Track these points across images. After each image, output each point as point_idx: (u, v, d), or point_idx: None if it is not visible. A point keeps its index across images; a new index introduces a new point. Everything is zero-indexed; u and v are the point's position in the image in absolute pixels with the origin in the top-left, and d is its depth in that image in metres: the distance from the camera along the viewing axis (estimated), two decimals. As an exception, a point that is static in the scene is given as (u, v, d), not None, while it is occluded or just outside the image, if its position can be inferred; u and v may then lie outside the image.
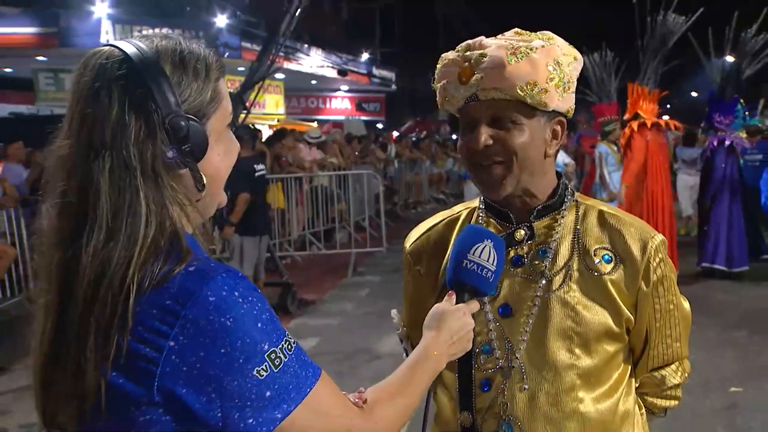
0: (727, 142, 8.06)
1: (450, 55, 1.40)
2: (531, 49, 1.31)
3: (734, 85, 8.12)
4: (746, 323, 6.24)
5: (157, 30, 1.10)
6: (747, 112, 9.11)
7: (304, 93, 22.74)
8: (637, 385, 1.48)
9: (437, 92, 1.44)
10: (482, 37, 1.39)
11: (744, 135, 8.67)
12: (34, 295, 1.04)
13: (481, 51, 1.33)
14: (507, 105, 1.33)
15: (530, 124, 1.35)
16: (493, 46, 1.33)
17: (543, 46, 1.33)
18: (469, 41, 1.39)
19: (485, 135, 1.34)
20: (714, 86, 8.29)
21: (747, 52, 7.97)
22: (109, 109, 0.99)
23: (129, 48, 1.02)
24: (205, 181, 1.05)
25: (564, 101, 1.36)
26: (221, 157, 1.10)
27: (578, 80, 1.42)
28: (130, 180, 0.98)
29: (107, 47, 1.04)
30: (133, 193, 0.98)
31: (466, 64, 1.34)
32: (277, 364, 0.98)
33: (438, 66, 1.43)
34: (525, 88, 1.30)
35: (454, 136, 23.25)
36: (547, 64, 1.32)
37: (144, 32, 1.09)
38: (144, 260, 0.97)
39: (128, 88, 1.00)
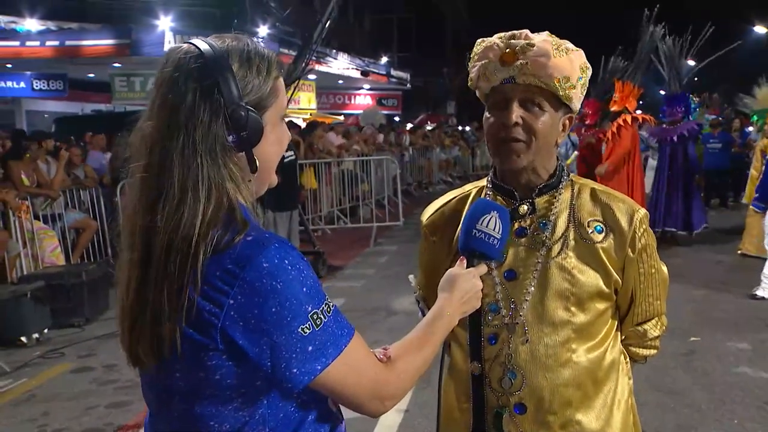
0: (675, 136, 8.01)
1: (493, 39, 1.35)
2: (569, 50, 1.29)
3: (677, 82, 8.11)
4: (703, 284, 6.19)
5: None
6: (699, 108, 9.04)
7: (332, 91, 22.59)
8: (622, 337, 1.45)
9: (473, 70, 1.38)
10: (527, 30, 1.34)
11: (702, 115, 8.65)
12: (120, 252, 1.03)
13: (528, 41, 1.29)
14: (539, 91, 1.30)
15: (551, 113, 1.32)
16: (539, 39, 1.30)
17: (575, 50, 1.31)
18: (514, 31, 1.35)
19: (517, 112, 1.31)
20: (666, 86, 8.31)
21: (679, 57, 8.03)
22: (184, 96, 0.97)
23: (203, 46, 1.00)
24: (258, 164, 1.03)
25: (579, 101, 1.35)
26: (274, 144, 1.07)
27: None
28: (195, 158, 0.97)
29: (186, 44, 1.02)
30: (198, 170, 0.96)
31: (509, 50, 1.30)
32: (318, 323, 0.96)
33: (478, 48, 1.37)
34: (560, 80, 1.28)
35: (460, 127, 23.07)
36: (580, 66, 1.31)
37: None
38: (207, 227, 0.95)
39: (200, 79, 0.98)
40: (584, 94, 1.37)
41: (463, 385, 1.41)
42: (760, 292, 5.81)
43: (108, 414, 3.86)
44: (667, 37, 7.87)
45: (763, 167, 5.90)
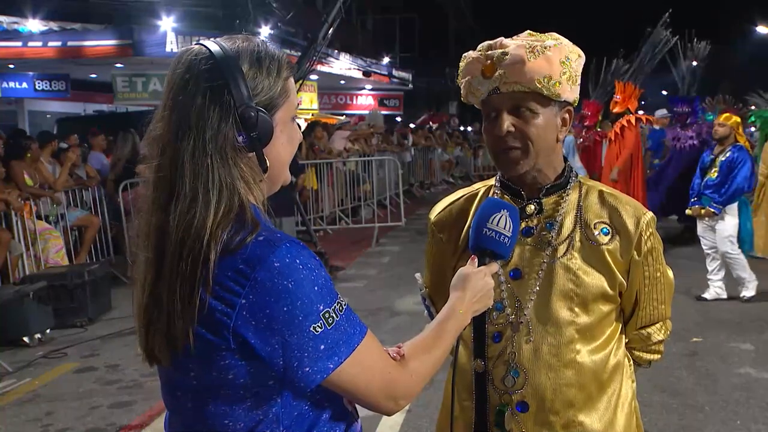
0: (696, 141, 8.01)
1: (472, 53, 1.36)
2: (545, 48, 1.28)
3: (684, 83, 8.14)
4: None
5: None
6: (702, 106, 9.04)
7: (334, 91, 22.55)
8: (626, 341, 1.45)
9: (461, 86, 1.39)
10: (502, 38, 1.34)
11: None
12: (136, 252, 1.04)
13: (503, 50, 1.29)
14: (525, 96, 1.30)
15: (545, 113, 1.32)
16: (513, 45, 1.29)
17: (554, 45, 1.30)
18: (490, 41, 1.35)
19: (507, 122, 1.31)
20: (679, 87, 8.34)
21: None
22: (194, 97, 0.98)
23: (214, 47, 1.01)
24: (268, 164, 1.03)
25: (572, 92, 1.34)
26: (285, 144, 1.07)
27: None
28: (206, 158, 0.97)
29: (197, 46, 1.03)
30: (209, 170, 0.97)
31: (489, 61, 1.30)
32: (330, 322, 0.96)
33: (461, 64, 1.38)
34: (542, 81, 1.28)
35: (462, 128, 23.05)
36: (560, 60, 1.29)
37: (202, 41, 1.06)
38: (217, 227, 0.95)
39: (209, 80, 0.98)
40: (577, 83, 1.35)
41: (466, 383, 1.41)
42: (746, 293, 5.73)
43: (111, 414, 3.86)
44: (670, 41, 7.88)
45: (716, 169, 5.79)
